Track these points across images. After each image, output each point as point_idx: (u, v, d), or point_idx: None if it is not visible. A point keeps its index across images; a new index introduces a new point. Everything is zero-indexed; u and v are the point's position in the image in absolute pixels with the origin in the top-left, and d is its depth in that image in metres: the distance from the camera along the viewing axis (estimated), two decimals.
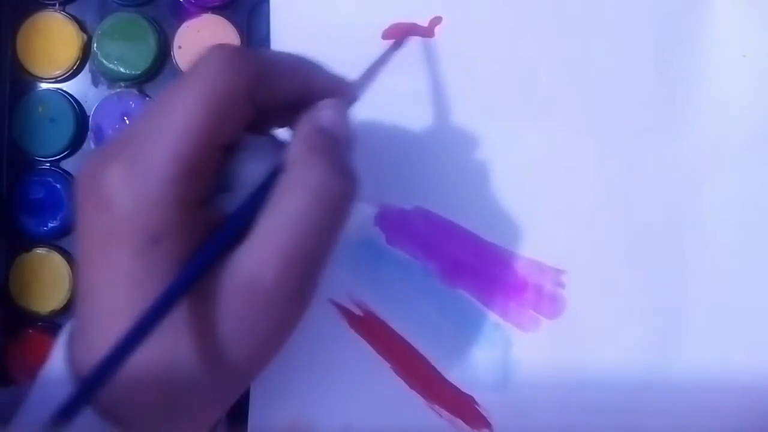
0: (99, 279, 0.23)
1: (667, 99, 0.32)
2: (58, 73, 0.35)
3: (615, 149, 0.32)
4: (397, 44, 0.31)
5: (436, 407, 0.33)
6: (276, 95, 0.24)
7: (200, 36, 0.34)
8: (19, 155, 0.35)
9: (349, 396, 0.33)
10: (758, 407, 0.32)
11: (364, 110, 0.32)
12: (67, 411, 0.20)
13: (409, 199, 0.33)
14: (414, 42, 0.33)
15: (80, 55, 0.35)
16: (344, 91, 0.26)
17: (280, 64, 0.25)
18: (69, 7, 0.35)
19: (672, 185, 0.32)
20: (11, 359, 0.35)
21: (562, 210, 0.32)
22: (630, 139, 0.32)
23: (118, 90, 0.35)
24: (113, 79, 0.35)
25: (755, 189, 0.32)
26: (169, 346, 0.22)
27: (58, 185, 0.35)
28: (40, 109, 0.35)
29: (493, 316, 0.33)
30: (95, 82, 0.35)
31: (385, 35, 0.33)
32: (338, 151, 0.24)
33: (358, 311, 0.33)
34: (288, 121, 0.25)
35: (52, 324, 0.35)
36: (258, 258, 0.22)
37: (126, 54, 0.34)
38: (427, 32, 0.33)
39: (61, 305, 0.35)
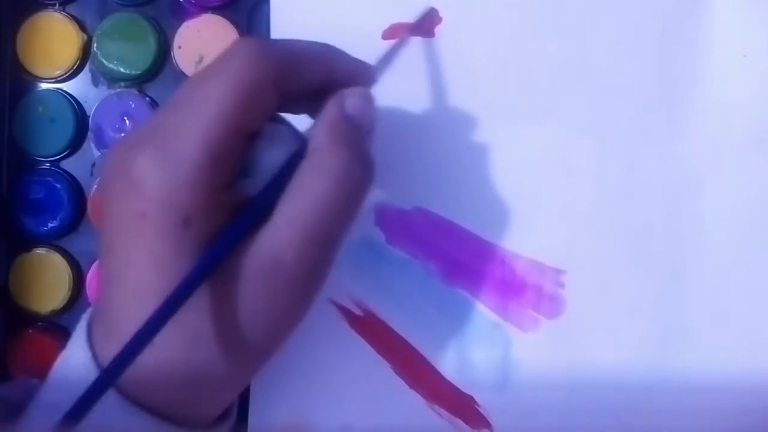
0: (126, 261, 0.23)
1: (668, 99, 0.32)
2: (58, 73, 0.35)
3: (615, 149, 0.32)
4: (418, 26, 0.32)
5: (436, 407, 0.33)
6: (301, 84, 0.25)
7: (200, 36, 0.34)
8: (19, 155, 0.35)
9: (349, 396, 0.33)
10: (758, 407, 0.32)
11: None
12: (90, 397, 0.21)
13: (409, 199, 0.33)
14: (414, 42, 0.33)
15: (80, 55, 0.35)
16: (367, 77, 0.27)
17: (305, 53, 0.26)
18: (69, 7, 0.35)
19: (672, 185, 0.32)
20: (11, 359, 0.35)
21: (562, 210, 0.32)
22: (630, 139, 0.32)
23: (118, 90, 0.35)
24: (113, 79, 0.35)
25: (755, 189, 0.32)
26: (191, 329, 0.23)
27: (58, 185, 0.35)
28: (40, 109, 0.35)
29: (493, 316, 0.33)
30: (95, 82, 0.35)
31: (385, 36, 0.33)
32: (361, 139, 0.25)
33: (358, 311, 0.33)
34: (312, 109, 0.26)
35: (52, 324, 0.35)
36: (280, 239, 0.23)
37: (126, 54, 0.34)
38: (427, 32, 0.33)
39: (61, 305, 0.35)
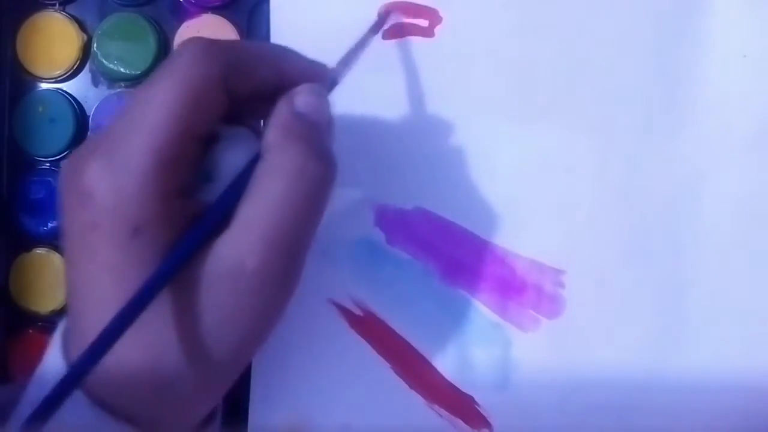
0: (84, 272, 0.23)
1: (668, 99, 0.32)
2: (58, 73, 0.35)
3: (615, 149, 0.32)
4: (377, 26, 0.31)
5: (436, 407, 0.33)
6: (251, 84, 0.24)
7: (200, 36, 0.34)
8: (19, 155, 0.35)
9: (349, 396, 0.33)
10: (758, 407, 0.32)
11: (364, 111, 0.33)
12: (54, 399, 0.21)
13: (409, 199, 0.33)
14: (415, 42, 0.33)
15: (80, 55, 0.35)
16: (321, 76, 0.26)
17: (254, 52, 0.25)
18: (69, 7, 0.35)
19: (672, 185, 0.32)
20: (11, 359, 0.35)
21: (562, 210, 0.32)
22: (630, 139, 0.32)
23: (118, 90, 0.35)
24: (113, 79, 0.35)
25: (755, 189, 0.32)
26: (156, 336, 0.23)
27: (58, 185, 0.35)
28: (40, 109, 0.35)
29: (493, 316, 0.33)
30: (95, 82, 0.35)
31: (386, 35, 0.33)
32: (315, 135, 0.24)
33: (358, 311, 0.33)
34: (268, 112, 0.25)
35: (52, 324, 0.35)
36: (240, 245, 0.23)
37: (126, 54, 0.34)
38: (427, 32, 0.33)
39: (61, 305, 0.35)
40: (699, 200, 0.32)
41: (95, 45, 0.34)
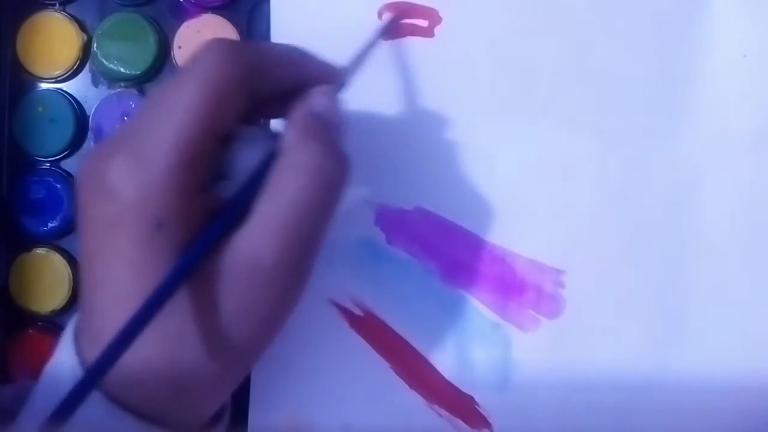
0: (104, 268, 0.23)
1: (667, 99, 0.32)
2: (58, 73, 0.35)
3: (615, 149, 0.32)
4: (385, 30, 0.31)
5: (436, 407, 0.33)
6: (270, 85, 0.25)
7: (200, 36, 0.34)
8: (19, 155, 0.35)
9: (349, 396, 0.33)
10: (758, 407, 0.32)
11: (364, 110, 0.33)
12: (74, 398, 0.21)
13: (409, 199, 0.33)
14: (414, 42, 0.33)
15: (80, 55, 0.35)
16: (334, 78, 0.27)
17: (273, 54, 0.26)
18: (69, 7, 0.35)
19: (672, 185, 0.32)
20: (11, 359, 0.35)
21: (562, 210, 0.32)
22: (630, 139, 0.32)
23: (118, 90, 0.35)
24: (113, 79, 0.35)
25: (755, 189, 0.32)
26: (174, 331, 0.23)
27: (58, 185, 0.35)
28: (40, 109, 0.35)
29: (493, 316, 0.33)
30: (95, 82, 0.35)
31: (386, 35, 0.33)
32: (331, 135, 0.25)
33: (358, 311, 0.33)
34: (282, 111, 0.26)
35: (52, 324, 0.35)
36: (257, 239, 0.23)
37: (126, 54, 0.34)
38: (426, 32, 0.33)
39: (61, 305, 0.35)
40: (699, 200, 0.32)
41: (95, 45, 0.34)
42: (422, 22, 0.33)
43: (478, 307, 0.33)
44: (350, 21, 0.32)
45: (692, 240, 0.32)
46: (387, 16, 0.33)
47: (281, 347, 0.32)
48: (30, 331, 0.35)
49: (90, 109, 0.35)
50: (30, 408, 0.24)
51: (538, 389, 0.32)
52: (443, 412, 0.33)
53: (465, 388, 0.33)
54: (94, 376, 0.21)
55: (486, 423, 0.33)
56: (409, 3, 0.33)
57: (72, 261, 0.35)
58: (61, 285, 0.35)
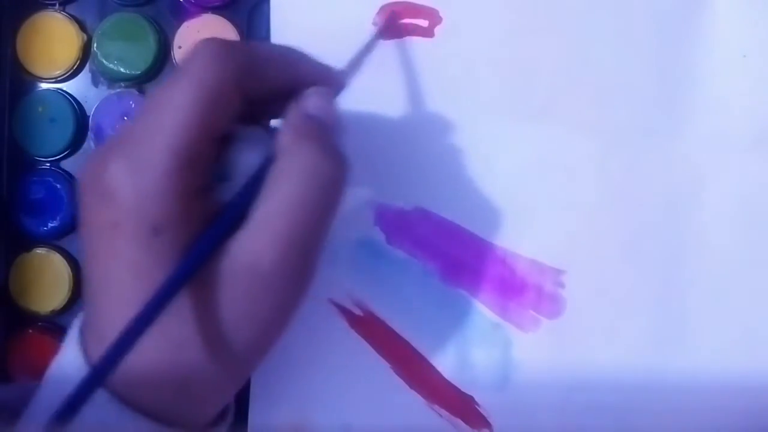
0: (105, 271, 0.23)
1: (668, 99, 0.32)
2: (58, 73, 0.35)
3: (615, 149, 0.32)
4: (381, 33, 0.31)
5: (436, 407, 0.33)
6: (265, 85, 0.25)
7: (200, 36, 0.34)
8: (19, 155, 0.35)
9: (349, 396, 0.33)
10: (758, 407, 0.32)
11: (364, 110, 0.33)
12: (78, 397, 0.21)
13: (409, 199, 0.33)
14: (414, 42, 0.33)
15: (80, 55, 0.35)
16: (330, 79, 0.27)
17: (268, 54, 0.26)
18: (69, 7, 0.35)
19: (672, 185, 0.32)
20: (11, 359, 0.35)
21: (563, 210, 0.32)
22: (630, 139, 0.32)
23: (118, 90, 0.35)
24: (113, 79, 0.35)
25: (755, 189, 0.32)
26: (176, 333, 0.23)
27: (58, 185, 0.35)
28: (40, 109, 0.35)
29: (493, 316, 0.33)
30: (95, 82, 0.35)
31: (386, 35, 0.33)
32: (327, 135, 0.25)
33: (358, 311, 0.33)
34: (280, 112, 0.26)
35: (52, 324, 0.35)
36: (256, 243, 0.23)
37: (126, 54, 0.34)
38: (427, 32, 0.33)
39: (61, 305, 0.35)
40: (699, 200, 0.32)
41: (95, 45, 0.34)
42: (422, 22, 0.33)
43: (478, 308, 0.33)
44: (350, 21, 0.32)
45: (692, 240, 0.32)
46: (379, 19, 0.32)
47: (281, 347, 0.32)
48: (30, 331, 0.35)
49: (90, 109, 0.35)
50: (35, 406, 0.24)
51: (538, 389, 0.32)
52: (443, 412, 0.33)
53: (465, 388, 0.33)
54: (98, 376, 0.22)
55: (486, 423, 0.33)
56: (409, 3, 0.33)
57: (72, 261, 0.35)
58: (61, 285, 0.35)
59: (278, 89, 0.25)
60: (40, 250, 0.35)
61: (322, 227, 0.24)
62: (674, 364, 0.32)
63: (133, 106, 0.34)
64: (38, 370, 0.25)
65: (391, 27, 0.32)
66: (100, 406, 0.23)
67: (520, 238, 0.33)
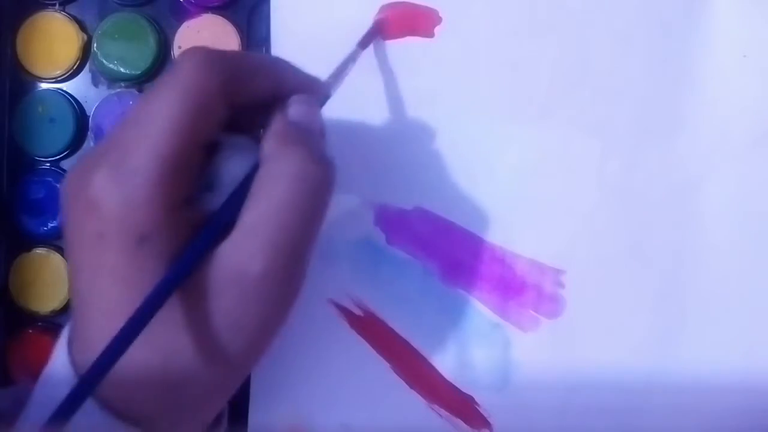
0: (91, 280, 0.23)
1: (668, 99, 0.32)
2: (58, 73, 0.35)
3: (615, 149, 0.32)
4: (365, 42, 0.31)
5: (436, 407, 0.33)
6: (250, 94, 0.25)
7: (200, 36, 0.34)
8: (19, 155, 0.35)
9: (349, 396, 0.33)
10: (758, 407, 0.32)
11: (364, 110, 0.33)
12: (67, 408, 0.21)
13: (409, 199, 0.33)
14: (414, 42, 0.33)
15: (80, 55, 0.35)
16: (314, 88, 0.27)
17: (253, 63, 0.26)
18: (69, 7, 0.35)
19: (672, 185, 0.32)
20: (11, 359, 0.35)
21: (562, 210, 0.32)
22: (630, 139, 0.32)
23: (118, 90, 0.35)
24: (113, 79, 0.35)
25: (755, 189, 0.32)
26: (166, 342, 0.23)
27: (58, 185, 0.35)
28: (40, 109, 0.35)
29: (492, 316, 0.33)
30: (95, 82, 0.35)
31: (387, 36, 0.33)
32: (311, 141, 0.25)
33: (358, 311, 0.33)
34: (266, 121, 0.26)
35: (52, 324, 0.35)
36: (243, 250, 0.23)
37: (126, 54, 0.34)
38: (426, 32, 0.33)
39: (61, 305, 0.35)
40: (699, 200, 0.32)
41: (95, 45, 0.34)
42: (422, 22, 0.33)
43: (478, 307, 0.33)
44: (350, 21, 0.32)
45: (692, 240, 0.32)
46: (376, 23, 0.32)
47: (281, 347, 0.32)
48: (30, 331, 0.35)
49: (90, 109, 0.35)
50: (27, 413, 0.24)
51: (538, 389, 0.32)
52: (443, 412, 0.33)
53: (465, 388, 0.33)
54: (86, 386, 0.21)
55: (486, 423, 0.33)
56: (409, 3, 0.33)
57: None
58: (61, 285, 0.35)
59: (264, 98, 0.25)
60: (40, 250, 0.35)
61: (309, 232, 0.24)
62: (674, 364, 0.32)
63: (133, 106, 0.34)
64: (38, 370, 0.25)
65: (377, 35, 0.32)
66: (90, 415, 0.22)
67: (520, 238, 0.33)
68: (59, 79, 0.35)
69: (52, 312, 0.35)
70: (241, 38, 0.34)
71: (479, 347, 0.33)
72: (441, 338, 0.33)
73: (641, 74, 0.32)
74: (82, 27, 0.35)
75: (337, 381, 0.33)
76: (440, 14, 0.33)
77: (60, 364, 0.24)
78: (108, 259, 0.23)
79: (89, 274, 0.23)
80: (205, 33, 0.34)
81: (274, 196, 0.23)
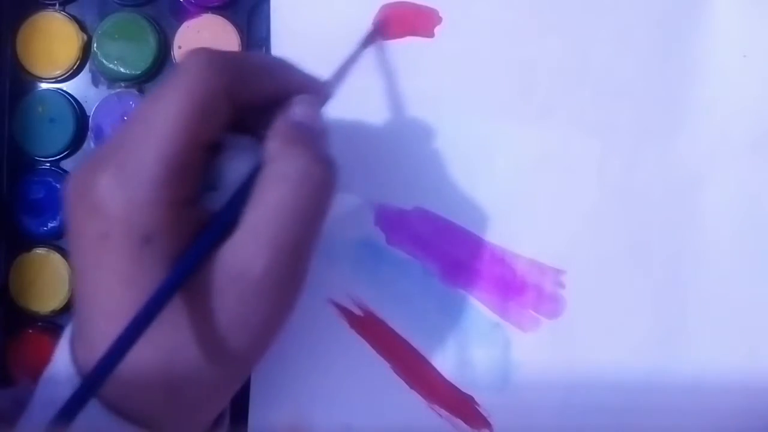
0: (95, 281, 0.23)
1: (668, 99, 0.32)
2: (58, 73, 0.35)
3: (615, 149, 0.32)
4: (366, 43, 0.31)
5: (436, 407, 0.33)
6: (254, 95, 0.25)
7: (200, 36, 0.34)
8: (19, 155, 0.35)
9: (349, 396, 0.33)
10: (758, 407, 0.32)
11: (364, 110, 0.33)
12: (70, 408, 0.21)
13: (409, 199, 0.33)
14: (414, 42, 0.33)
15: (80, 55, 0.35)
16: (317, 89, 0.27)
17: (256, 64, 0.26)
18: (69, 7, 0.35)
19: (672, 185, 0.32)
20: (11, 359, 0.35)
21: (562, 210, 0.32)
22: (630, 139, 0.32)
23: (118, 90, 0.35)
24: (113, 79, 0.35)
25: (755, 189, 0.32)
26: (168, 342, 0.23)
27: (58, 185, 0.35)
28: (40, 109, 0.35)
29: (492, 316, 0.33)
30: (95, 82, 0.35)
31: (387, 36, 0.33)
32: (313, 142, 0.25)
33: (358, 311, 0.33)
34: (269, 122, 0.26)
35: (52, 324, 0.35)
36: (246, 250, 0.23)
37: (126, 54, 0.34)
38: (427, 32, 0.33)
39: (61, 305, 0.35)
40: (699, 200, 0.32)
41: (95, 45, 0.34)
42: (422, 22, 0.33)
43: (478, 307, 0.33)
44: (350, 21, 0.32)
45: (692, 240, 0.32)
46: (376, 24, 0.32)
47: (281, 347, 0.32)
48: (30, 331, 0.35)
49: (90, 109, 0.35)
50: (30, 413, 0.24)
51: (538, 389, 0.32)
52: (443, 412, 0.33)
53: (465, 388, 0.33)
54: (90, 387, 0.21)
55: (486, 423, 0.33)
56: (409, 3, 0.33)
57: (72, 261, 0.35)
58: (61, 285, 0.35)
59: (267, 99, 0.25)
60: (40, 250, 0.35)
61: (311, 232, 0.24)
62: (674, 364, 0.32)
63: (133, 106, 0.34)
64: (38, 370, 0.25)
65: (379, 34, 0.32)
66: (93, 415, 0.22)
67: (520, 238, 0.33)
68: (59, 79, 0.35)
69: (52, 312, 0.35)
70: (241, 38, 0.34)
71: (479, 347, 0.33)
72: (441, 338, 0.33)
73: (641, 74, 0.32)
74: (82, 27, 0.35)
75: (337, 381, 0.33)
76: (440, 14, 0.33)
77: (62, 365, 0.24)
78: (112, 259, 0.23)
79: (93, 274, 0.23)
80: (205, 33, 0.34)
81: (277, 197, 0.23)
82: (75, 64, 0.35)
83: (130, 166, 0.23)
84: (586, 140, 0.32)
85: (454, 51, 0.33)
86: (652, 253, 0.32)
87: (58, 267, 0.35)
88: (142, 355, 0.22)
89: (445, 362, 0.33)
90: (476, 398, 0.33)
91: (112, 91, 0.35)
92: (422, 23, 0.33)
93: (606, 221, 0.32)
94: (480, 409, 0.33)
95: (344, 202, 0.33)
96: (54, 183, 0.35)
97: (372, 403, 0.33)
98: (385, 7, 0.33)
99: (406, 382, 0.33)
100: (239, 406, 0.33)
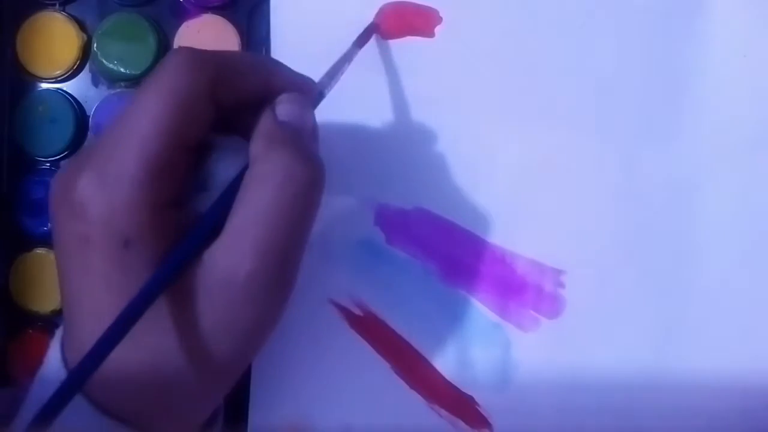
0: (78, 284, 0.23)
1: (667, 99, 0.32)
2: (58, 73, 0.35)
3: (615, 149, 0.32)
4: (361, 41, 0.31)
5: (436, 407, 0.33)
6: (238, 94, 0.25)
7: (200, 36, 0.34)
8: (19, 155, 0.35)
9: (349, 396, 0.33)
10: (758, 407, 0.32)
11: (364, 110, 0.33)
12: (54, 405, 0.21)
13: (409, 199, 0.33)
14: (415, 42, 0.33)
15: (80, 55, 0.35)
16: (306, 88, 0.26)
17: (241, 63, 0.25)
18: (69, 7, 0.35)
19: (671, 185, 0.32)
20: (11, 359, 0.35)
21: (562, 210, 0.32)
22: (629, 139, 0.32)
23: (118, 90, 0.35)
24: (113, 79, 0.35)
25: (755, 189, 0.32)
26: (154, 343, 0.23)
27: None
28: (40, 109, 0.35)
29: (493, 316, 0.33)
30: (95, 82, 0.35)
31: (388, 35, 0.33)
32: (300, 141, 0.24)
33: (358, 311, 0.33)
34: (257, 122, 0.25)
35: (52, 324, 0.35)
36: (231, 253, 0.23)
37: (126, 54, 0.34)
38: (427, 32, 0.33)
39: (61, 305, 0.35)
40: (698, 200, 0.32)
41: (95, 45, 0.34)
42: (422, 22, 0.33)
43: (478, 307, 0.33)
44: (350, 21, 0.32)
45: (692, 240, 0.32)
46: (373, 23, 0.32)
47: (281, 347, 0.32)
48: (30, 331, 0.35)
49: (90, 109, 0.35)
50: (22, 414, 0.24)
51: (538, 389, 0.32)
52: (443, 412, 0.33)
53: (465, 388, 0.33)
54: (72, 385, 0.21)
55: (486, 423, 0.33)
56: (409, 3, 0.33)
57: None
58: None
59: (253, 98, 0.25)
60: (40, 250, 0.35)
61: (299, 233, 0.24)
62: (674, 364, 0.32)
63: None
64: (38, 371, 0.25)
65: (373, 33, 0.32)
66: (79, 413, 0.22)
67: (520, 238, 0.33)
68: (59, 79, 0.35)
69: (52, 312, 0.35)
70: (241, 38, 0.34)
71: (479, 347, 0.33)
72: (441, 338, 0.33)
73: (641, 74, 0.32)
74: (82, 27, 0.35)
75: (338, 381, 0.33)
76: (440, 14, 0.33)
77: (53, 365, 0.24)
78: (94, 262, 0.23)
79: (76, 276, 0.23)
80: (205, 33, 0.34)
81: (262, 198, 0.23)
82: (75, 64, 0.35)
83: (110, 168, 0.22)
84: (587, 140, 0.32)
85: (454, 51, 0.33)
86: (651, 253, 0.32)
87: None
88: (128, 356, 0.22)
89: (445, 362, 0.33)
90: (476, 398, 0.33)
91: (112, 91, 0.35)
92: (422, 23, 0.33)
93: (606, 221, 0.32)
94: (480, 409, 0.33)
95: (344, 202, 0.33)
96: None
97: (372, 403, 0.33)
98: (385, 7, 0.33)
99: (406, 382, 0.33)
100: (239, 406, 0.33)
